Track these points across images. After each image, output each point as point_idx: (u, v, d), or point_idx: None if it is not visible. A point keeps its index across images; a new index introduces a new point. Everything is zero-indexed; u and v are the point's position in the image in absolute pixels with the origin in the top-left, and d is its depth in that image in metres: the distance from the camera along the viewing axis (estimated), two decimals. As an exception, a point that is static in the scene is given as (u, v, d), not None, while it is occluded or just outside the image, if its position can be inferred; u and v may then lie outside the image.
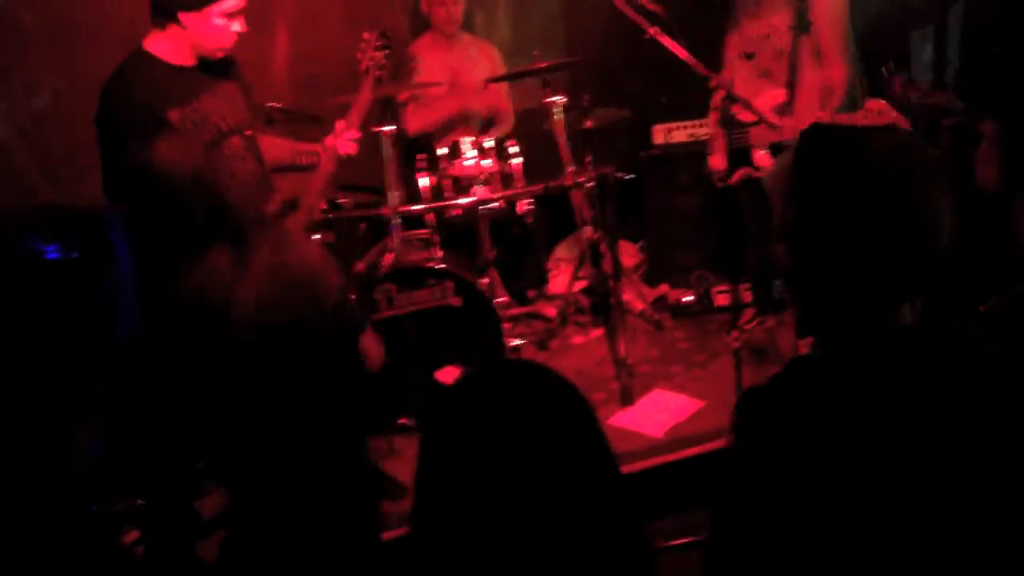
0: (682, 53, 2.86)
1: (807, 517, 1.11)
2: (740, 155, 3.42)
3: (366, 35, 2.73)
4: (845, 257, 1.16)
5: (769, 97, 3.22)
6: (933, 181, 1.15)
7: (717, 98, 3.57)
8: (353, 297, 1.83)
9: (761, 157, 2.93)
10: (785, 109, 3.07)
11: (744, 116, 3.39)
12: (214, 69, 2.54)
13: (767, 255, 3.48)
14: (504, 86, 4.23)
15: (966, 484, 1.09)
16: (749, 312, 3.86)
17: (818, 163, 1.19)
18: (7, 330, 1.39)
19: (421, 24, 4.16)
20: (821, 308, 1.22)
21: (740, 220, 3.64)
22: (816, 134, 1.22)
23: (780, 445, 1.14)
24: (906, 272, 1.15)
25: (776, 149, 3.18)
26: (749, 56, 3.37)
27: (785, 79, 3.22)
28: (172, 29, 2.42)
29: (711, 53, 3.56)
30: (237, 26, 2.46)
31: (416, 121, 4.05)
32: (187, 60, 2.48)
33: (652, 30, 2.76)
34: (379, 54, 2.71)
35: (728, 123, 2.72)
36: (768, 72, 3.29)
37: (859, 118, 2.74)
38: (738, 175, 3.46)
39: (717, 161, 3.58)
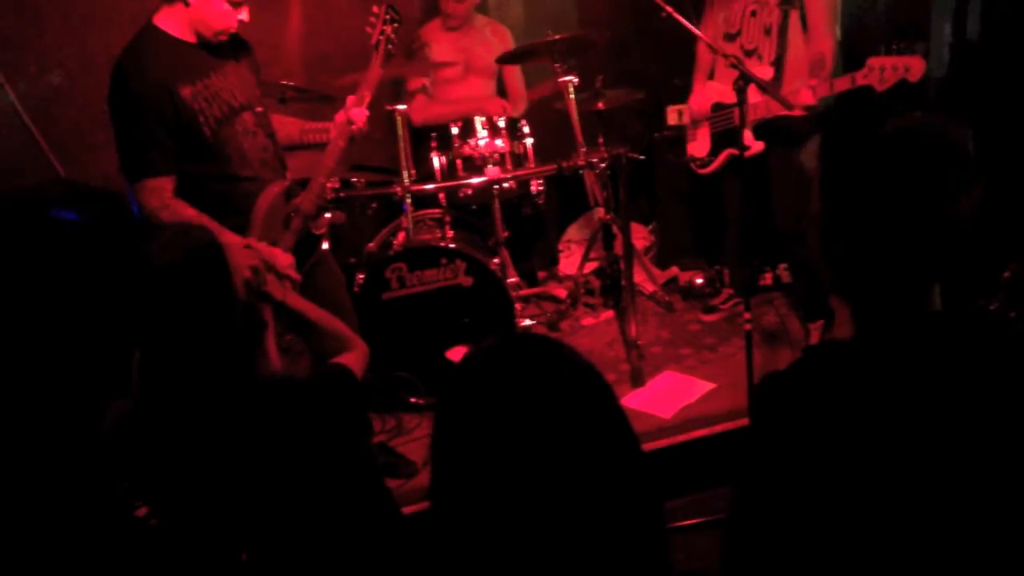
0: (698, 33, 2.84)
1: (836, 501, 1.10)
2: (724, 138, 3.39)
3: (376, 9, 2.72)
4: (869, 240, 1.15)
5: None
6: (950, 162, 1.14)
7: (698, 81, 3.56)
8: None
9: (748, 136, 2.90)
10: (771, 87, 3.00)
11: (726, 98, 3.35)
12: (224, 46, 2.53)
13: (749, 238, 3.47)
14: (517, 69, 4.20)
15: (1002, 470, 1.08)
16: (725, 292, 3.87)
17: (838, 146, 1.19)
18: (34, 302, 1.38)
19: (432, 6, 4.14)
20: (854, 292, 1.21)
21: (721, 204, 3.64)
22: (842, 118, 1.21)
23: (809, 429, 1.13)
24: (927, 254, 1.14)
25: (762, 129, 3.13)
26: (732, 36, 3.31)
27: (772, 57, 3.17)
28: (177, 6, 2.42)
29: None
30: (244, 15, 2.45)
31: (422, 115, 3.98)
32: (196, 37, 2.47)
33: (668, 10, 2.74)
34: (389, 28, 2.69)
35: (742, 104, 2.69)
36: (754, 51, 3.22)
37: (859, 77, 2.67)
38: (721, 158, 3.44)
39: (698, 147, 3.55)
